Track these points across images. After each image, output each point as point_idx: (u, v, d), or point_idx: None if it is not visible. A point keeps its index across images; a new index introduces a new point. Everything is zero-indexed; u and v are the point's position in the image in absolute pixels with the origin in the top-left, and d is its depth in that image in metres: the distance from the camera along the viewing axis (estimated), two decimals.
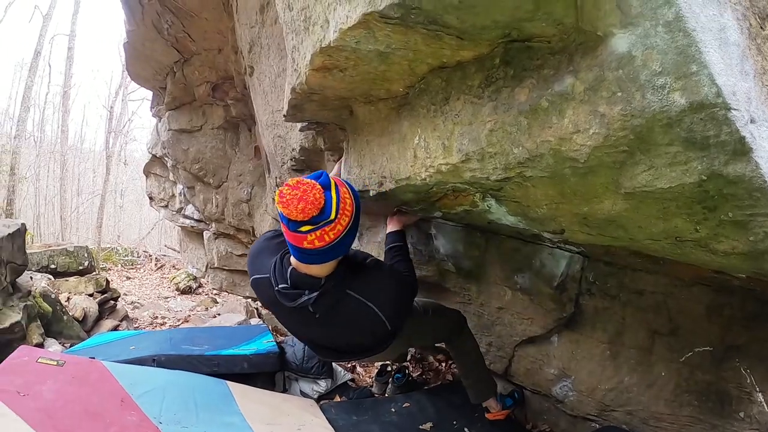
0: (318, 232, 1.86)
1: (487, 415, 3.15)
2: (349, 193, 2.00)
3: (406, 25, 1.28)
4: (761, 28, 1.05)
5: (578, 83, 1.12)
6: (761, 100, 1.00)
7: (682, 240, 1.27)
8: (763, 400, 2.22)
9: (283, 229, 1.96)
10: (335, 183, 1.94)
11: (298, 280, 2.08)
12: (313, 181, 1.87)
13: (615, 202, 1.26)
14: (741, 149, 0.96)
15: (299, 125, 2.98)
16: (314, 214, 1.82)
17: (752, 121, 0.96)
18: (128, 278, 12.39)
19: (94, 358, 3.33)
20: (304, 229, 1.85)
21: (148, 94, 10.44)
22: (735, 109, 0.93)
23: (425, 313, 2.82)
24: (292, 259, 2.09)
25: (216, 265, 9.13)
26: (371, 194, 2.36)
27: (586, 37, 1.10)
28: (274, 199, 1.88)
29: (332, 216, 1.87)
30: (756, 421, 2.23)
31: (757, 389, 2.24)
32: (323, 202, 1.84)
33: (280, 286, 2.12)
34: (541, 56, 1.23)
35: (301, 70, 1.86)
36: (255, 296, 7.72)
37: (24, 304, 5.24)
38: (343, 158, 2.77)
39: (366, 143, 2.31)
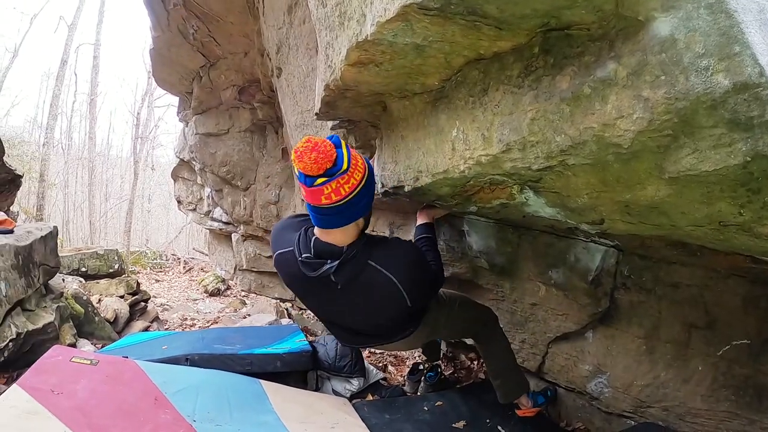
0: (333, 184, 1.95)
1: (517, 412, 3.15)
2: (359, 155, 2.10)
3: (444, 16, 1.29)
4: None
5: (621, 68, 1.13)
6: None
7: (726, 224, 1.26)
8: None
9: (302, 190, 2.05)
10: (345, 143, 2.03)
11: (321, 249, 2.17)
12: (324, 138, 1.97)
13: (658, 187, 1.26)
14: None
15: (330, 124, 3.00)
16: (328, 166, 1.91)
17: None
18: (157, 281, 12.48)
19: (127, 357, 3.36)
20: (319, 181, 1.94)
21: (174, 100, 10.59)
22: None
23: (452, 304, 2.83)
24: (316, 230, 2.21)
25: (244, 267, 9.21)
26: (406, 189, 2.39)
27: (627, 23, 1.10)
28: (292, 161, 1.97)
29: (345, 166, 1.95)
30: None
31: None
32: (335, 154, 1.94)
33: (303, 255, 2.20)
34: (581, 44, 1.24)
35: (336, 66, 1.89)
36: (283, 297, 7.81)
37: (57, 305, 5.32)
38: (375, 155, 2.80)
39: (401, 138, 2.33)
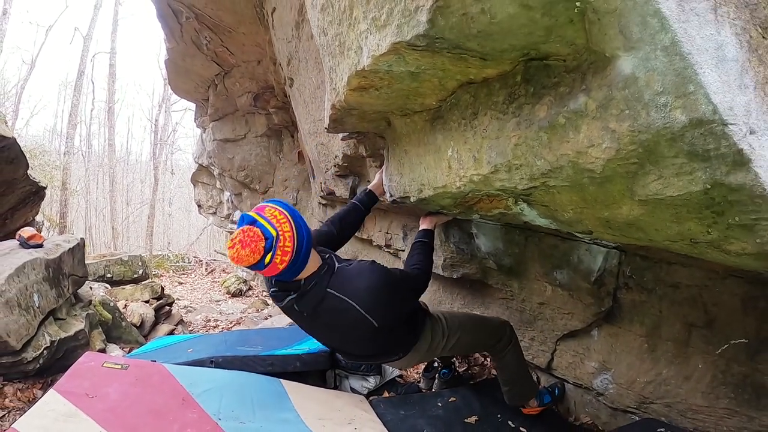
0: (278, 252, 2.14)
1: (522, 410, 3.25)
2: (276, 209, 2.24)
3: (432, 51, 1.40)
4: (763, 37, 1.11)
5: (591, 101, 1.22)
6: (763, 110, 1.07)
7: (697, 241, 1.35)
8: None
9: (259, 274, 2.28)
10: (256, 212, 2.21)
11: (283, 285, 2.40)
12: (242, 227, 2.15)
13: (632, 207, 1.34)
14: (740, 160, 1.04)
15: (341, 134, 3.11)
16: (263, 245, 2.10)
17: (752, 132, 1.04)
18: (180, 283, 12.64)
19: (155, 361, 3.50)
20: (267, 260, 2.13)
21: (191, 104, 10.72)
22: (732, 124, 1.01)
23: (454, 331, 2.91)
24: None
25: None
26: (412, 200, 2.51)
27: (597, 57, 1.19)
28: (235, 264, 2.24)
29: (274, 233, 2.13)
30: None
31: None
32: (259, 231, 2.12)
33: (271, 290, 2.47)
34: (558, 74, 1.33)
35: (339, 89, 2.00)
36: None
37: (86, 312, 5.51)
38: (383, 166, 2.90)
39: (404, 153, 2.44)
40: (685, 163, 1.12)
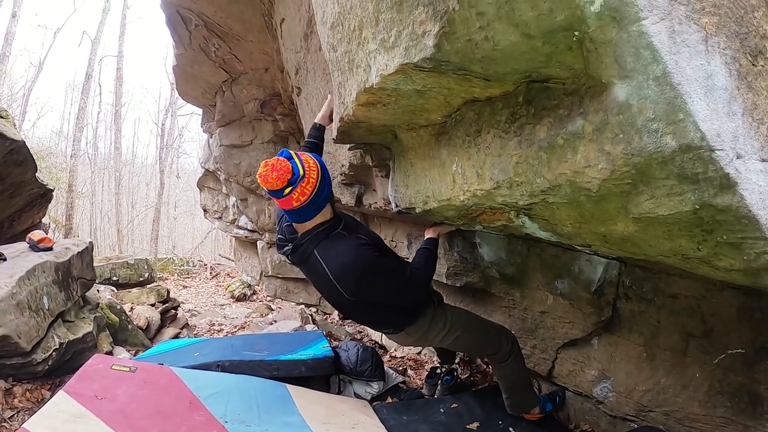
0: (298, 189, 2.40)
1: (524, 416, 3.31)
2: (309, 157, 2.53)
3: (438, 72, 1.48)
4: (753, 65, 1.18)
5: (587, 124, 1.29)
6: (750, 136, 1.14)
7: (688, 257, 1.41)
8: None
9: (275, 201, 2.53)
10: (295, 153, 2.49)
11: (288, 235, 2.74)
12: (277, 157, 2.43)
13: (626, 224, 1.41)
14: (727, 183, 1.11)
15: (348, 145, 3.19)
16: (288, 178, 2.36)
17: (738, 156, 1.11)
18: (185, 287, 12.64)
19: (162, 364, 3.58)
20: (287, 192, 2.40)
21: (197, 108, 10.80)
22: (719, 149, 1.08)
23: (455, 325, 3.03)
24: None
25: (270, 273, 9.39)
26: (417, 211, 2.59)
27: (594, 82, 1.26)
28: (259, 184, 2.44)
29: (301, 173, 2.40)
30: None
31: None
32: (290, 166, 2.38)
33: (277, 237, 2.82)
34: (557, 97, 1.41)
35: (348, 104, 2.08)
36: (308, 303, 8.01)
37: (94, 315, 5.56)
38: (390, 177, 2.97)
39: (410, 165, 2.52)
40: (676, 184, 1.18)
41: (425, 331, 2.94)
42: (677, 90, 1.07)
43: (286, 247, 2.71)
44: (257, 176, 2.40)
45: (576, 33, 1.17)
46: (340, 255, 2.55)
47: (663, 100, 1.09)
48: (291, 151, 2.48)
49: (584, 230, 1.65)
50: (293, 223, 2.67)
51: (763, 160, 1.15)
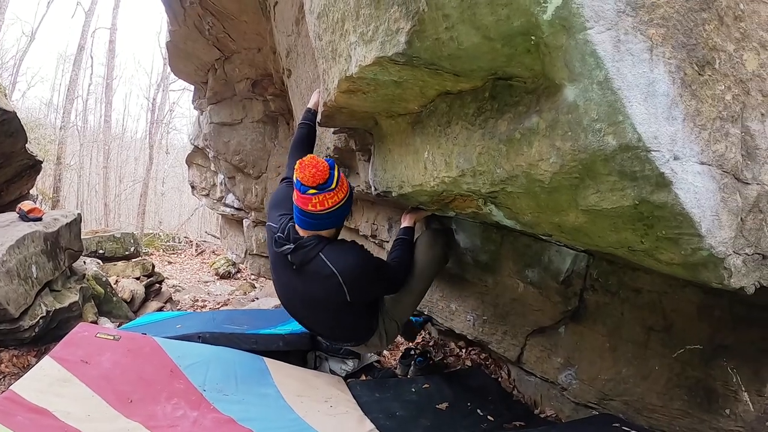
0: (321, 196, 2.46)
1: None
2: (345, 179, 2.62)
3: (411, 66, 1.59)
4: (699, 74, 1.26)
5: (542, 121, 1.40)
6: (690, 139, 1.24)
7: (634, 249, 1.52)
8: (748, 399, 2.37)
9: (295, 194, 2.56)
10: (337, 167, 2.55)
11: (291, 235, 2.69)
12: (324, 159, 2.49)
13: (577, 215, 1.52)
14: (662, 182, 1.21)
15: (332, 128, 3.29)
16: (320, 182, 2.43)
17: (676, 158, 1.21)
18: (170, 263, 12.68)
19: (146, 334, 3.67)
20: (311, 191, 2.45)
21: (189, 84, 10.79)
22: (656, 151, 1.18)
23: (394, 306, 3.14)
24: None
25: (255, 252, 9.48)
26: (393, 195, 2.70)
27: (549, 83, 1.36)
28: (295, 170, 2.48)
29: (333, 185, 2.47)
30: (741, 419, 2.39)
31: (743, 388, 2.39)
32: (329, 174, 2.46)
33: (277, 234, 2.73)
34: (519, 94, 1.51)
35: (331, 90, 2.19)
36: None
37: (80, 286, 5.66)
38: (370, 161, 3.07)
39: (389, 151, 2.63)
40: (617, 180, 1.29)
41: (380, 337, 3.09)
42: (617, 94, 1.16)
43: (287, 246, 2.68)
44: (300, 161, 2.46)
45: (533, 37, 1.26)
46: (348, 255, 2.66)
47: (605, 102, 1.19)
48: (336, 165, 2.56)
49: (542, 219, 1.76)
50: (296, 225, 2.70)
51: (702, 163, 1.25)
